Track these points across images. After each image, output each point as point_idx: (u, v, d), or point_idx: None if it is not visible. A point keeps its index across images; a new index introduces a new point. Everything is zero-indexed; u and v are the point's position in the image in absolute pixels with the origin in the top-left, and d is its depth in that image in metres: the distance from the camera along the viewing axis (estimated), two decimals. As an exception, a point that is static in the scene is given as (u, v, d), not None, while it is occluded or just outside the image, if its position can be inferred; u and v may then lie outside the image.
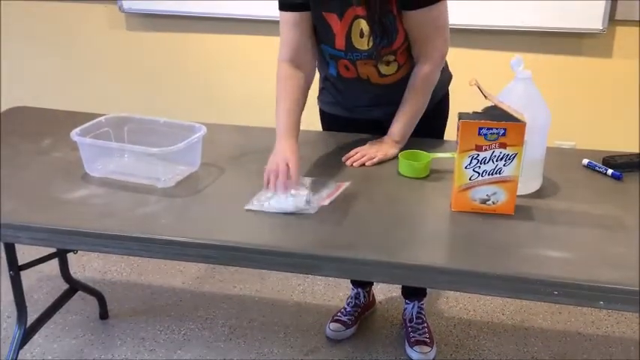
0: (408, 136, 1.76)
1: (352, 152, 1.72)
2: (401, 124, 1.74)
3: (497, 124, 1.34)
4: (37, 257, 2.14)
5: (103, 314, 2.39)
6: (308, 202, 1.42)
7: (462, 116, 1.38)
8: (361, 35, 1.66)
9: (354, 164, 1.68)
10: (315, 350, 2.22)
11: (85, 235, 1.38)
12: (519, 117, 1.35)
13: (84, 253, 2.74)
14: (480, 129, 1.35)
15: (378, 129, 1.82)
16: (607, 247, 1.30)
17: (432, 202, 1.49)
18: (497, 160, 1.37)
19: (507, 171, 1.38)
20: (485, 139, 1.36)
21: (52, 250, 2.21)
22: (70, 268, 2.32)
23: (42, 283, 2.58)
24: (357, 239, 1.34)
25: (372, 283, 2.39)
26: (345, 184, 1.53)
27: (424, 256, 1.29)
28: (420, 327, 2.23)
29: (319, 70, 1.90)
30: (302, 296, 2.53)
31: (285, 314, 2.42)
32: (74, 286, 2.34)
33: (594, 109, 2.79)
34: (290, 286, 2.59)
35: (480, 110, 1.42)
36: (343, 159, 1.70)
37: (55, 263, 2.27)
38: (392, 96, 1.76)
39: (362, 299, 2.33)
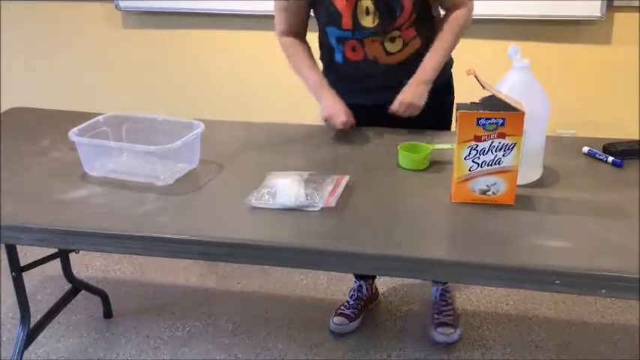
0: (437, 74, 1.79)
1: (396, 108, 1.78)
2: (433, 62, 1.77)
3: (496, 114, 1.34)
4: (39, 258, 2.14)
5: (107, 313, 2.40)
6: (308, 197, 1.42)
7: (460, 107, 1.37)
8: (367, 13, 1.71)
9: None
10: (319, 344, 2.22)
11: (85, 235, 1.38)
12: (518, 106, 1.35)
13: (86, 253, 2.74)
14: (479, 119, 1.34)
15: (383, 115, 1.83)
16: (608, 235, 1.29)
17: (432, 193, 1.49)
18: (496, 151, 1.36)
19: (507, 161, 1.37)
20: (484, 129, 1.35)
21: (54, 250, 2.21)
22: (72, 268, 2.33)
23: (45, 284, 2.59)
24: (358, 233, 1.34)
25: (374, 276, 2.39)
26: (345, 178, 1.52)
27: (425, 249, 1.28)
28: (445, 308, 2.26)
29: (321, 61, 1.93)
30: (305, 291, 2.54)
31: (289, 309, 2.42)
32: (77, 286, 2.35)
33: (594, 97, 2.78)
34: (293, 281, 2.59)
35: (478, 100, 1.41)
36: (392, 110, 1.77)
37: (57, 263, 2.27)
38: (398, 78, 1.78)
39: (365, 292, 2.33)
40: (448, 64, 1.90)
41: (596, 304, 2.39)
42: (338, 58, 1.85)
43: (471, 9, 1.82)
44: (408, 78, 1.79)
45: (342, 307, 2.31)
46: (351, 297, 2.33)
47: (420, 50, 1.82)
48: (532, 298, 2.44)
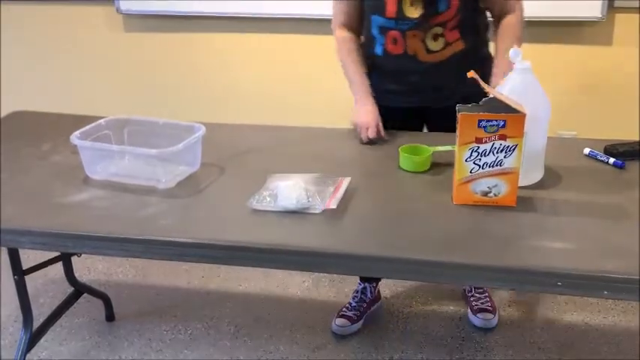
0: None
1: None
2: (502, 67, 1.75)
3: (497, 116, 1.34)
4: (42, 261, 2.14)
5: (109, 316, 2.40)
6: (309, 199, 1.42)
7: (461, 109, 1.37)
8: (412, 4, 1.72)
9: None
10: (321, 347, 2.22)
11: (87, 239, 1.38)
12: (519, 108, 1.35)
13: (88, 256, 2.74)
14: (480, 121, 1.34)
15: (418, 119, 1.82)
16: (610, 237, 1.29)
17: (433, 196, 1.49)
18: (497, 152, 1.36)
19: (508, 163, 1.37)
20: (485, 131, 1.35)
21: (56, 253, 2.21)
22: (74, 271, 2.33)
23: (47, 287, 2.59)
24: (359, 235, 1.34)
25: (379, 279, 2.39)
26: (346, 180, 1.52)
27: (427, 251, 1.28)
28: (482, 296, 2.33)
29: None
30: (307, 293, 2.53)
31: (291, 311, 2.42)
32: (79, 289, 2.35)
33: (595, 98, 2.77)
34: (295, 283, 2.59)
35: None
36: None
37: (60, 266, 2.27)
38: (438, 79, 1.79)
39: (368, 294, 2.33)
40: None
41: (598, 304, 2.39)
42: (378, 50, 1.86)
43: (521, 14, 1.83)
44: (448, 80, 1.79)
45: (345, 309, 2.31)
46: (353, 299, 2.33)
47: (462, 52, 1.81)
48: (534, 299, 2.43)
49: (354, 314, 2.29)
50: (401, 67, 1.85)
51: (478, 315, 2.28)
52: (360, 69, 1.89)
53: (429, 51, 1.80)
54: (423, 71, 1.83)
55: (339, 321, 2.27)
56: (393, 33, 1.79)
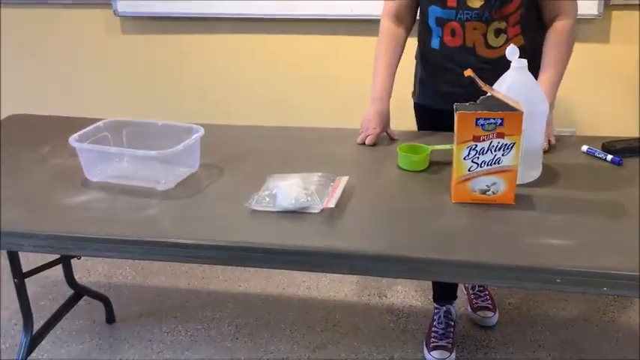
0: (555, 92, 1.70)
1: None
2: (549, 82, 1.66)
3: (495, 114, 1.34)
4: (42, 264, 2.14)
5: (110, 318, 2.40)
6: (308, 199, 1.42)
7: (458, 107, 1.38)
8: None
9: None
10: (321, 346, 2.22)
11: (86, 241, 1.38)
12: (516, 106, 1.35)
13: (88, 258, 2.75)
14: (478, 119, 1.35)
15: None
16: (609, 233, 1.30)
17: (432, 194, 1.49)
18: (495, 150, 1.37)
19: (506, 161, 1.37)
20: (483, 129, 1.35)
21: (56, 256, 2.22)
22: (75, 273, 2.33)
23: (48, 289, 2.59)
24: (358, 234, 1.35)
25: (455, 297, 2.27)
26: (344, 179, 1.53)
27: (426, 249, 1.28)
28: (482, 294, 2.35)
29: (417, 58, 1.92)
30: (307, 292, 2.54)
31: (291, 311, 2.42)
32: (79, 292, 2.35)
33: (592, 95, 2.78)
34: (295, 283, 2.59)
35: (476, 101, 1.42)
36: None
37: (60, 269, 2.27)
38: (494, 74, 1.61)
39: (454, 316, 2.22)
40: None
41: (598, 301, 2.39)
42: (434, 43, 1.80)
43: (572, 20, 1.72)
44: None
45: (434, 339, 2.15)
46: (438, 324, 2.19)
47: (520, 49, 1.64)
48: (534, 296, 2.44)
49: (448, 342, 2.13)
50: (457, 60, 1.77)
51: (478, 313, 2.28)
52: (387, 70, 1.82)
53: (488, 46, 1.74)
54: (479, 66, 1.69)
55: (437, 353, 2.11)
56: (452, 24, 1.73)
